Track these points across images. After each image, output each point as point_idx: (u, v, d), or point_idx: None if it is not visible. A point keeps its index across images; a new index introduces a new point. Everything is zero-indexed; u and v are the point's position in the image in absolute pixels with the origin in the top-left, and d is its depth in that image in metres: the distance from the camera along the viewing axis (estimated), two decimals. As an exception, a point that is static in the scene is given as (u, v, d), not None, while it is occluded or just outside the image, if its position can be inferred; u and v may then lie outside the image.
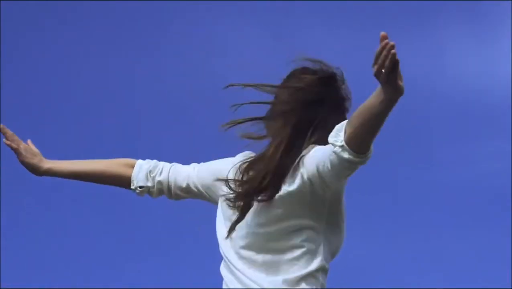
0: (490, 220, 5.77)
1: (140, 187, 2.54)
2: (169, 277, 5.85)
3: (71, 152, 6.24)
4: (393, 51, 2.00)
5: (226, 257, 2.38)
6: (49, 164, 2.58)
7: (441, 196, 5.66)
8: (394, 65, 2.01)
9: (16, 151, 2.58)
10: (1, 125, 2.55)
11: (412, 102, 5.34)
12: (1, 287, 5.58)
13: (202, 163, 2.56)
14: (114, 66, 6.32)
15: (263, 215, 2.29)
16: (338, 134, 2.13)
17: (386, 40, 2.01)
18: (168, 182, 2.53)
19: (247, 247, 2.32)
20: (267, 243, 2.30)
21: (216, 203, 2.44)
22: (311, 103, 2.33)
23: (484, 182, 5.72)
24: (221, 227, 2.40)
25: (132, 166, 2.58)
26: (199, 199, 2.50)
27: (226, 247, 2.38)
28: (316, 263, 2.27)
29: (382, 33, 2.00)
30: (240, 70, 5.78)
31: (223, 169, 2.43)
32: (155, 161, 2.61)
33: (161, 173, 2.54)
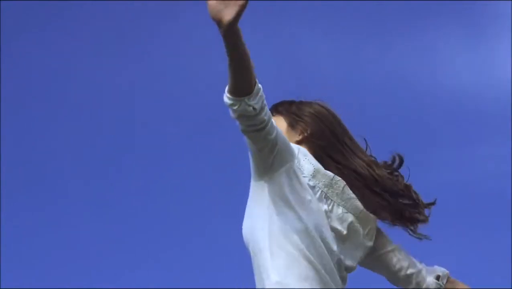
0: (488, 222, 5.78)
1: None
2: (169, 277, 5.86)
3: (69, 151, 6.25)
4: None
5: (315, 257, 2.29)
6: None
7: (438, 198, 5.66)
8: None
9: None
10: None
11: (408, 104, 5.35)
12: (1, 287, 5.59)
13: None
14: (110, 67, 6.33)
15: (369, 238, 2.45)
16: None
17: None
18: (271, 120, 2.31)
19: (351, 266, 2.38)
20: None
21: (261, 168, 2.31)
22: None
23: (481, 184, 5.73)
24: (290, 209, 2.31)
25: None
26: (260, 152, 2.30)
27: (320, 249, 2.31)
28: None
29: None
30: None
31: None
32: None
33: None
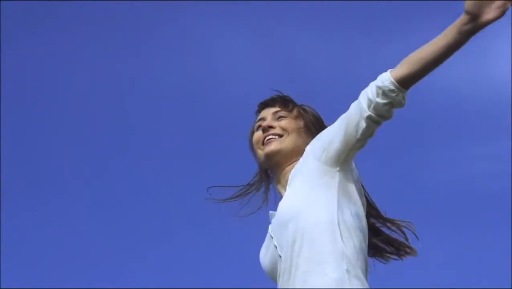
0: (485, 221, 5.78)
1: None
2: (169, 277, 5.86)
3: (69, 151, 6.25)
4: None
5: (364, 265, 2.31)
6: None
7: (434, 197, 5.69)
8: None
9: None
10: None
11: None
12: (1, 287, 5.59)
13: None
14: (110, 67, 6.33)
15: None
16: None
17: None
18: None
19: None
20: None
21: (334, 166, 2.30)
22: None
23: (477, 184, 5.73)
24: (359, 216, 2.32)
25: None
26: (358, 142, 2.27)
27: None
28: None
29: None
30: (229, 70, 5.80)
31: None
32: None
33: None
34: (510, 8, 2.06)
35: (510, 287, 4.70)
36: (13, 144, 6.17)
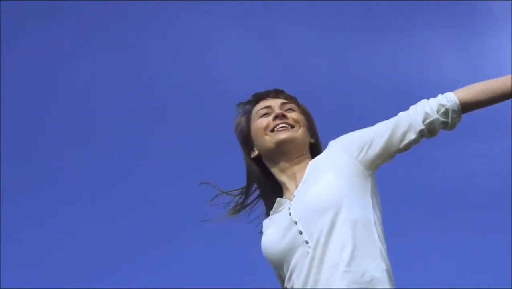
0: (485, 219, 5.78)
1: None
2: (169, 277, 5.86)
3: (67, 149, 6.24)
4: None
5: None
6: None
7: (433, 195, 5.69)
8: None
9: None
10: None
11: (398, 102, 5.34)
12: (1, 287, 5.59)
13: None
14: (105, 65, 6.33)
15: None
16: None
17: None
18: None
19: None
20: None
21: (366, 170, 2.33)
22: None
23: (476, 181, 5.73)
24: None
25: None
26: (397, 151, 2.35)
27: None
28: None
29: None
30: (229, 70, 5.81)
31: None
32: None
33: None
34: (510, 8, 2.08)
35: (510, 287, 4.70)
36: (13, 144, 6.18)
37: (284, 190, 2.43)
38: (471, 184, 5.73)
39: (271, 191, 2.50)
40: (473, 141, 5.80)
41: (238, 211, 2.56)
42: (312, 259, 2.22)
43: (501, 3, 5.63)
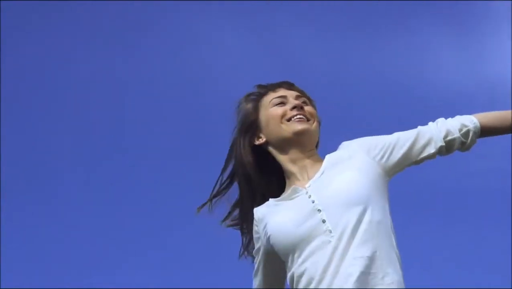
0: (484, 219, 5.78)
1: None
2: (169, 277, 5.86)
3: (66, 149, 6.24)
4: None
5: None
6: None
7: (432, 194, 5.68)
8: None
9: None
10: None
11: (398, 102, 5.36)
12: (1, 287, 5.59)
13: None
14: (104, 65, 6.33)
15: None
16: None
17: None
18: None
19: None
20: None
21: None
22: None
23: (475, 180, 5.73)
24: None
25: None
26: (418, 162, 2.43)
27: None
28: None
29: None
30: (228, 69, 5.81)
31: None
32: None
33: None
34: (510, 8, 2.10)
35: (510, 288, 4.70)
36: (13, 144, 6.18)
37: (292, 179, 2.43)
38: (471, 184, 5.73)
39: (261, 179, 2.51)
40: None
41: (235, 224, 2.63)
42: (335, 248, 2.23)
43: (501, 3, 5.63)
